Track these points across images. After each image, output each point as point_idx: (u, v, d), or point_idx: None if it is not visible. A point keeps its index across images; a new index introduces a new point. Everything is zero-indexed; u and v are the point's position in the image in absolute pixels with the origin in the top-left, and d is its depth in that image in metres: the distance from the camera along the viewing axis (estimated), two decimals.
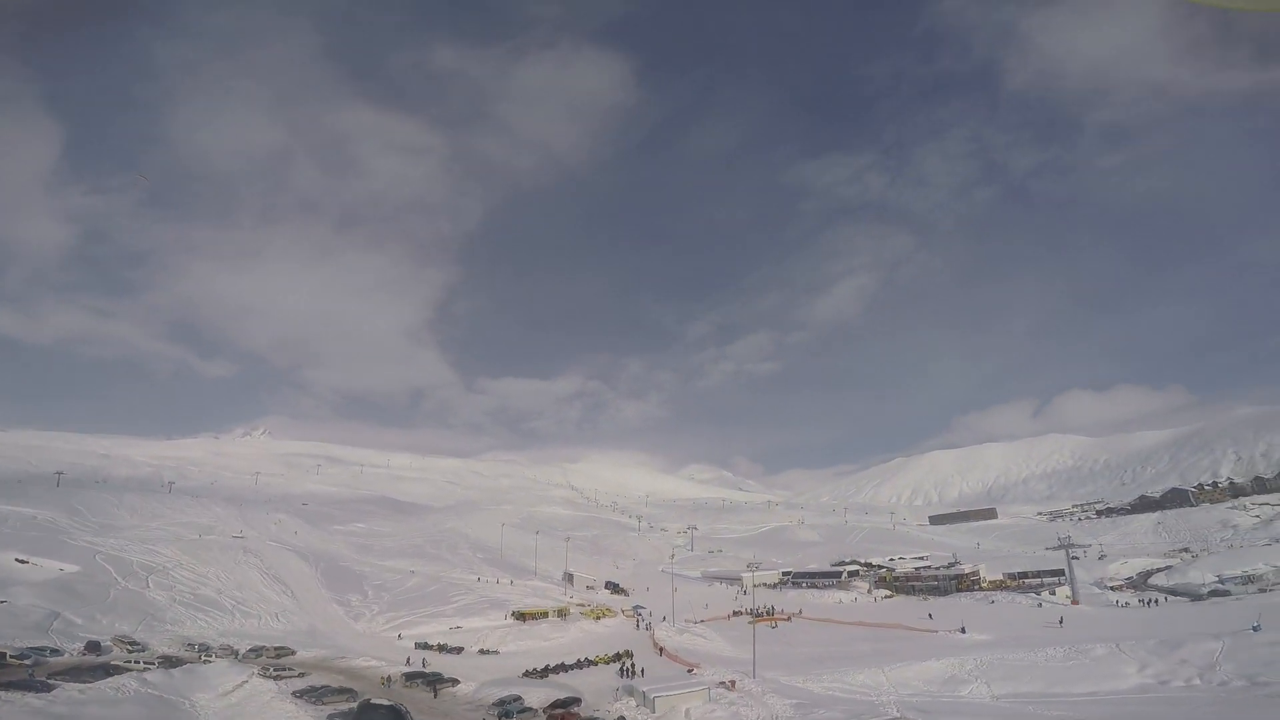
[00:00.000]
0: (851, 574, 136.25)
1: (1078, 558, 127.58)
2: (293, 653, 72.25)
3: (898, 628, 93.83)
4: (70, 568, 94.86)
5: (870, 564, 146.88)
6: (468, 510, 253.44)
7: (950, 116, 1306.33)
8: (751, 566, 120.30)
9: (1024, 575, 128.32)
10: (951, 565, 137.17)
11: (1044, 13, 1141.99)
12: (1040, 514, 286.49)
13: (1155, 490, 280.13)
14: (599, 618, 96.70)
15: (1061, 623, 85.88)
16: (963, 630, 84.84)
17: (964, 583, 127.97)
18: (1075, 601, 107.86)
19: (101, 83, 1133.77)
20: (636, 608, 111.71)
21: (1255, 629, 61.98)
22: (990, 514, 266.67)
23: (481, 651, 77.57)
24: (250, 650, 71.62)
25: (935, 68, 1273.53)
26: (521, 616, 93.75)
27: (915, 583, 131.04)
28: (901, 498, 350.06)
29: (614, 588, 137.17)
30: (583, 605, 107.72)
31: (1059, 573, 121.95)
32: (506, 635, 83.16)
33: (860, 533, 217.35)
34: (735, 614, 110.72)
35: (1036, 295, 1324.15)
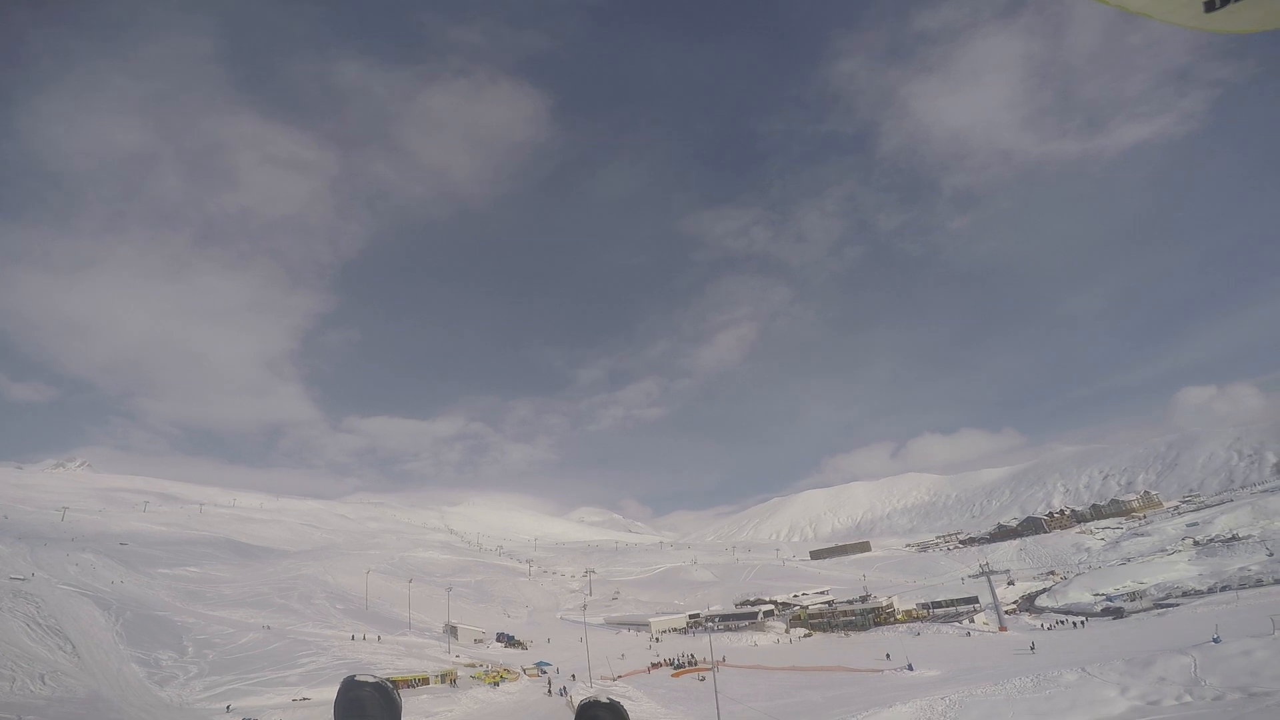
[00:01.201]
0: (767, 614, 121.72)
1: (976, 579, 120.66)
2: None
3: (838, 670, 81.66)
4: None
5: (779, 602, 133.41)
6: (328, 555, 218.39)
7: (831, 175, 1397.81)
8: (660, 612, 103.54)
9: (937, 605, 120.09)
10: (865, 599, 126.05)
11: (920, 80, 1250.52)
12: (909, 545, 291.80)
13: (1006, 520, 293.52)
14: (497, 682, 74.74)
15: (1034, 649, 78.12)
16: (910, 667, 75.21)
17: (880, 616, 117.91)
18: (1002, 628, 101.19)
19: None
20: (541, 665, 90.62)
21: (1216, 641, 54.67)
22: (865, 547, 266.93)
23: None
24: None
25: (823, 128, 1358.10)
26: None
27: (831, 619, 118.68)
28: (780, 534, 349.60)
29: (508, 640, 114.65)
30: (474, 665, 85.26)
31: (971, 600, 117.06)
32: None
33: (752, 570, 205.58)
34: (655, 666, 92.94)
35: (894, 346, 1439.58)
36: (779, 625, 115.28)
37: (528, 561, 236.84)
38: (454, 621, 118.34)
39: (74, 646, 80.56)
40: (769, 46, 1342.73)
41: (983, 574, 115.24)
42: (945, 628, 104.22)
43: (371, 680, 2.86)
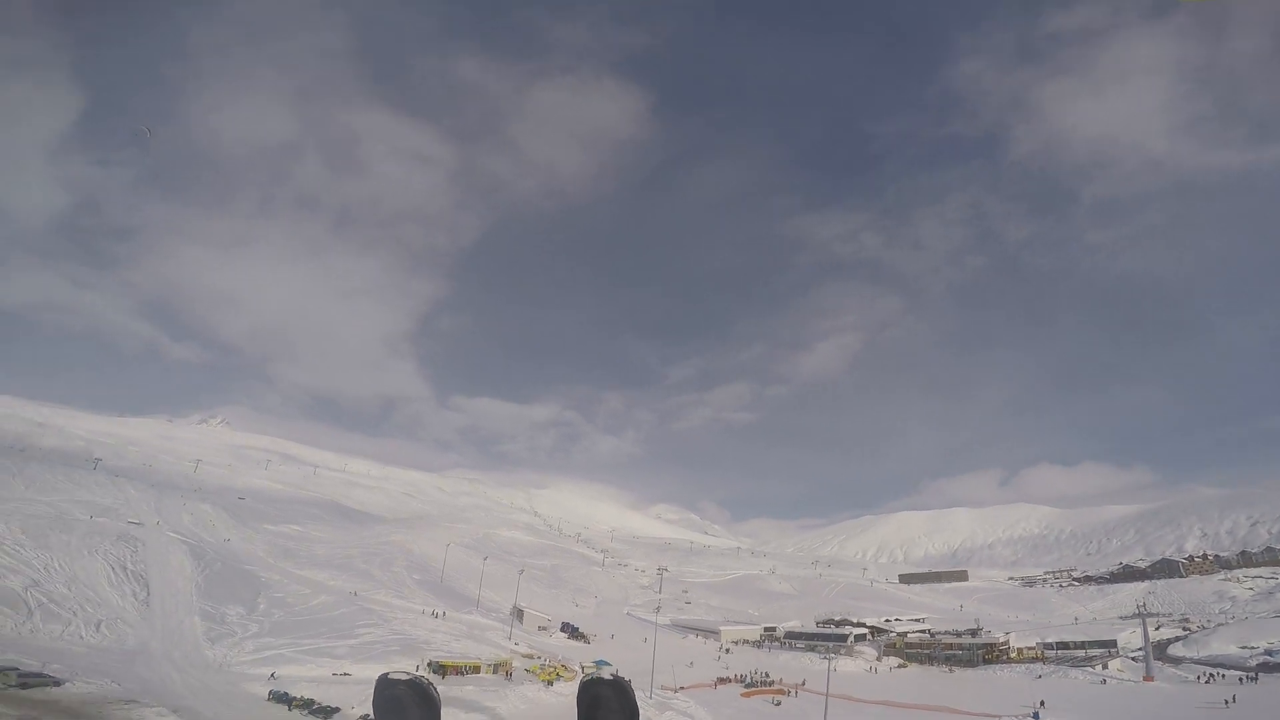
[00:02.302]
0: (858, 637, 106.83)
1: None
2: (54, 684, 41.73)
3: (944, 710, 67.90)
4: None
5: (870, 626, 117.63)
6: (418, 525, 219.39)
7: (952, 181, 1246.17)
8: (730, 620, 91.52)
9: (1063, 645, 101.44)
10: (976, 631, 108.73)
11: (1056, 82, 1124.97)
12: (1012, 578, 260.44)
13: (1130, 560, 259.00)
14: (551, 680, 66.05)
15: (1233, 703, 65.03)
16: (1036, 716, 62.11)
17: (992, 653, 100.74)
18: (1148, 678, 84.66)
19: (133, 56, 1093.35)
20: (600, 664, 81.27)
21: None
22: (961, 575, 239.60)
23: (366, 718, 47.23)
24: (8, 674, 41.14)
25: (944, 131, 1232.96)
26: (441, 670, 63.03)
27: (932, 651, 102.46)
28: (868, 554, 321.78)
29: (572, 631, 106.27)
30: (531, 655, 77.07)
31: (1107, 643, 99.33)
32: None
33: (835, 587, 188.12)
34: (723, 681, 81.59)
35: (1014, 367, 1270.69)
36: (869, 651, 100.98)
37: (603, 551, 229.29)
38: (522, 605, 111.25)
39: (149, 594, 78.38)
40: (884, 46, 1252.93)
41: (1137, 615, 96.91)
42: (1074, 672, 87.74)
43: (406, 677, 2.95)
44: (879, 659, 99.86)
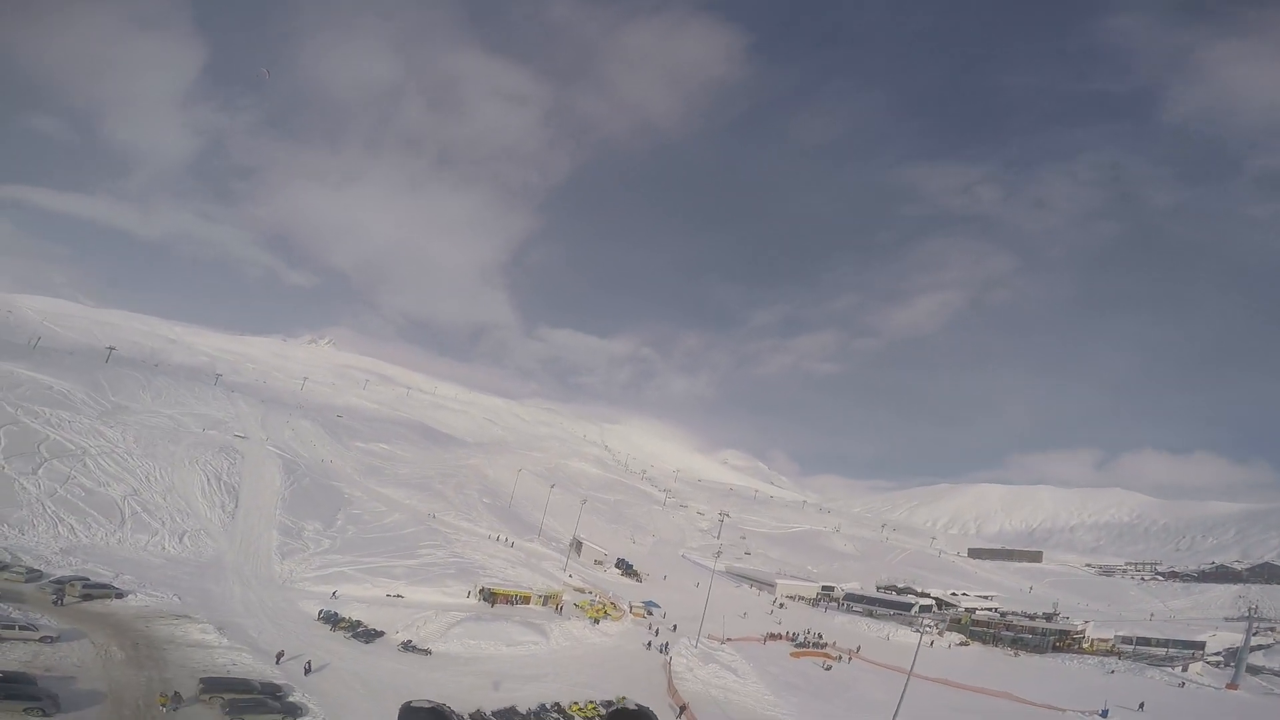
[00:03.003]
0: (924, 608, 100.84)
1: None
2: (117, 595, 42.83)
3: (1004, 697, 62.40)
4: None
5: (936, 598, 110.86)
6: (496, 450, 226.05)
7: (1090, 139, 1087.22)
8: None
9: (1144, 641, 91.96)
10: (1052, 616, 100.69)
11: (1227, 43, 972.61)
12: (1089, 565, 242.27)
13: (1225, 560, 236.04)
14: (598, 618, 64.68)
15: None
16: (1104, 714, 56.57)
17: (1065, 640, 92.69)
18: (1232, 686, 74.88)
19: (246, 7, 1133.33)
20: (649, 605, 79.97)
21: None
22: (1035, 556, 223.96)
23: (406, 645, 46.55)
24: (53, 582, 42.47)
25: (1088, 85, 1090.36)
26: (492, 598, 62.55)
27: (998, 631, 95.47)
28: (939, 524, 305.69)
29: (626, 568, 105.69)
30: (583, 590, 76.20)
31: (1192, 645, 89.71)
32: (458, 626, 51.73)
33: (900, 553, 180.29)
34: (773, 637, 78.25)
35: (1134, 342, 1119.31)
36: (930, 624, 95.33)
37: (665, 491, 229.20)
38: (581, 537, 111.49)
39: (236, 506, 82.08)
40: None
41: (1235, 619, 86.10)
42: (1151, 671, 79.18)
43: (428, 705, 2.86)
44: (939, 633, 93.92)
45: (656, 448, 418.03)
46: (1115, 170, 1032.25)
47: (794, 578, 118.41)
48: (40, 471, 65.58)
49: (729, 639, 69.07)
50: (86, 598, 40.53)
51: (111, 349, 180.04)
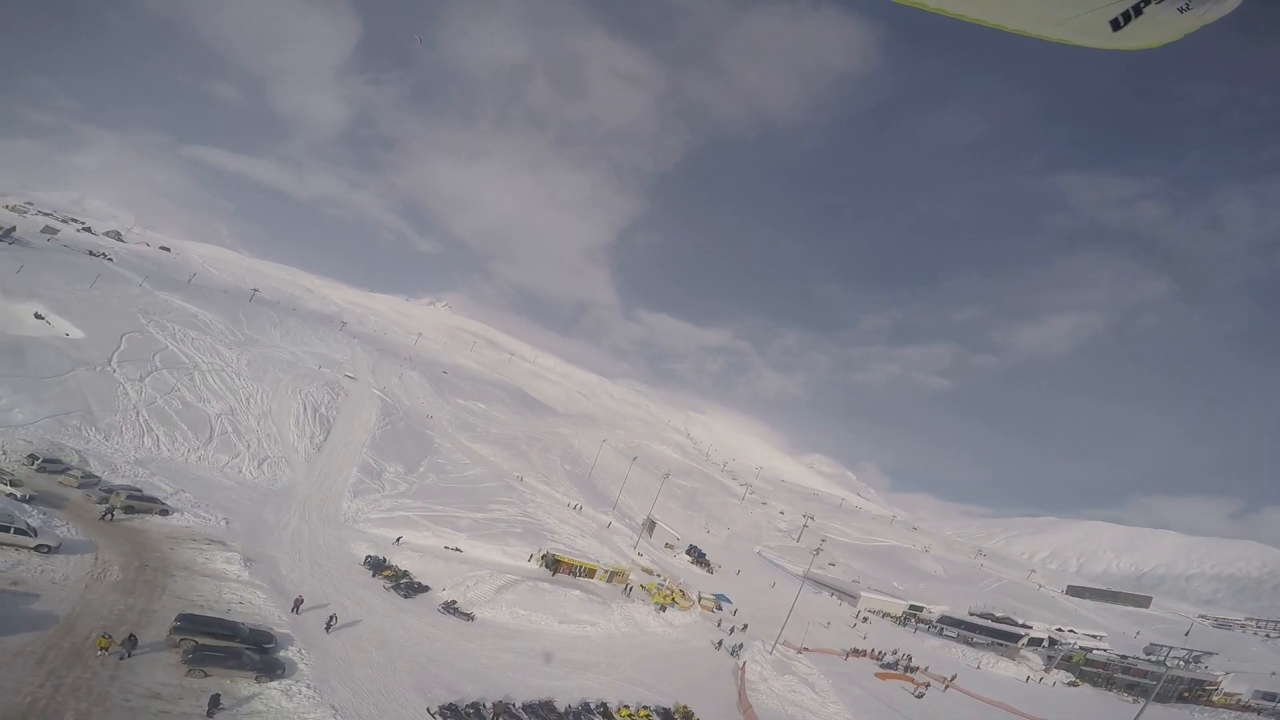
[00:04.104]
0: (1034, 641, 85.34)
1: None
2: (161, 512, 38.91)
3: None
4: (75, 333, 69.30)
5: (1047, 635, 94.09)
6: (583, 423, 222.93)
7: None
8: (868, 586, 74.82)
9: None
10: (1192, 660, 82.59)
11: None
12: (1203, 617, 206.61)
13: None
14: (665, 605, 56.30)
15: None
16: None
17: (1195, 691, 75.58)
18: None
19: None
20: (720, 598, 70.80)
21: None
22: (1143, 601, 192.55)
23: (447, 606, 40.00)
24: (101, 489, 39.15)
25: None
26: (554, 565, 55.67)
27: (1111, 673, 78.88)
28: (1036, 557, 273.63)
29: (698, 556, 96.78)
30: (650, 572, 68.17)
31: None
32: (510, 591, 45.02)
33: (995, 581, 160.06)
34: (856, 653, 67.14)
35: None
36: (1034, 659, 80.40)
37: (745, 485, 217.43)
38: (654, 517, 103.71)
39: (325, 439, 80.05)
40: None
41: None
42: None
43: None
44: (1046, 670, 78.75)
45: (740, 442, 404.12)
46: None
47: (879, 592, 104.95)
48: (147, 380, 65.25)
49: (805, 649, 59.04)
50: (129, 510, 36.87)
51: (255, 290, 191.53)
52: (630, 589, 57.45)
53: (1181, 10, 4.42)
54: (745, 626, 60.16)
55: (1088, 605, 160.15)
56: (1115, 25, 4.25)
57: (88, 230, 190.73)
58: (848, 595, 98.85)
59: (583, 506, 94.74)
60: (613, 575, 59.90)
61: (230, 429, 65.94)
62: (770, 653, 51.76)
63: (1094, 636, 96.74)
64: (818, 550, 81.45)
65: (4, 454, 39.74)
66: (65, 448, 44.39)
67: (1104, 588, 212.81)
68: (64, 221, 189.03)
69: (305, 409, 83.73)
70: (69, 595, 23.95)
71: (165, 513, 38.63)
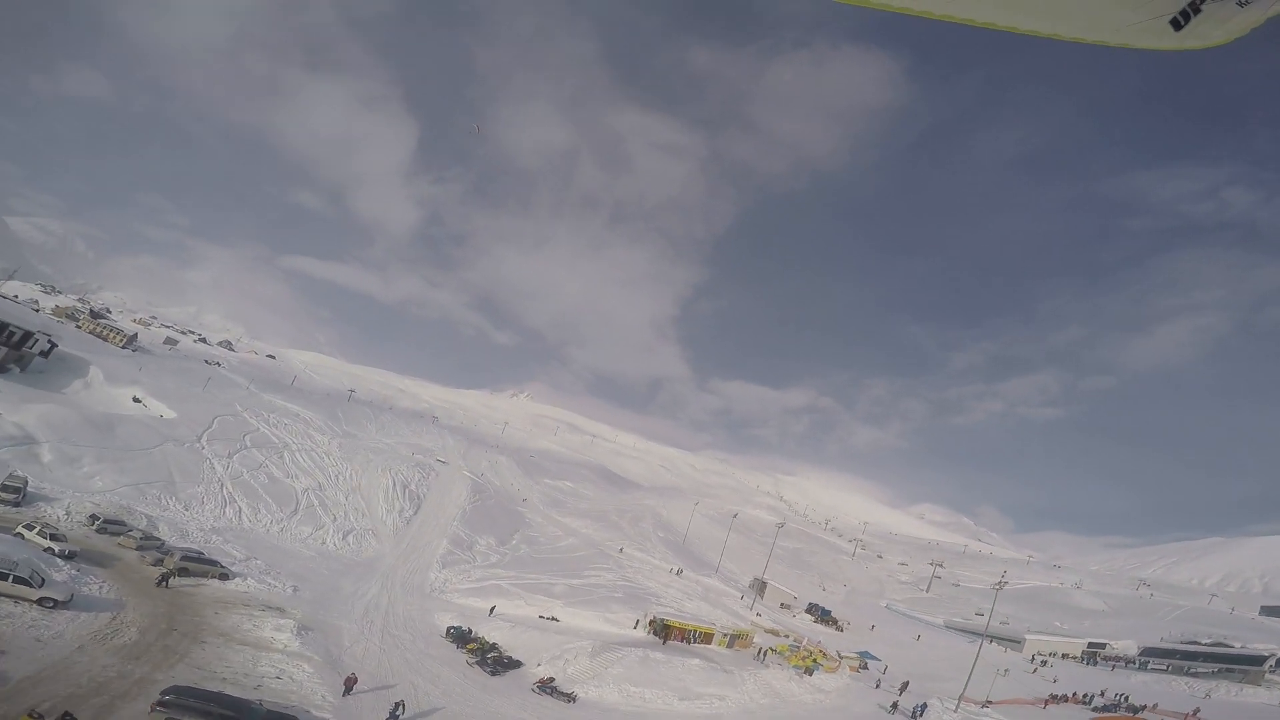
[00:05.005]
0: None
1: None
2: (221, 576, 33.18)
3: None
4: (169, 414, 68.45)
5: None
6: (670, 494, 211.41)
7: None
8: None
9: None
10: None
11: None
12: None
13: None
14: (809, 668, 44.66)
15: None
16: None
17: None
18: None
19: (440, 84, 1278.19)
20: (865, 655, 57.65)
21: None
22: None
23: (543, 685, 31.13)
24: (157, 550, 34.15)
25: None
26: (664, 630, 45.75)
27: None
28: (1207, 583, 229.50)
29: (821, 614, 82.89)
30: (777, 633, 56.53)
31: None
32: (617, 664, 35.79)
33: (1173, 610, 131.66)
34: (1056, 700, 52.19)
35: None
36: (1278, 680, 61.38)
37: (854, 541, 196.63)
38: (764, 577, 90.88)
39: (415, 514, 75.08)
40: None
41: None
42: None
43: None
44: None
45: (838, 500, 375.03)
46: None
47: (1044, 633, 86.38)
48: (235, 456, 62.60)
49: (989, 702, 45.36)
50: (184, 572, 31.41)
51: (352, 391, 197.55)
52: (764, 653, 46.36)
53: (1242, 4, 4.12)
54: (906, 685, 47.25)
55: None
56: (1176, 25, 4.06)
57: (203, 341, 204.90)
58: (1009, 641, 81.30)
59: (683, 570, 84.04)
60: (734, 639, 49.16)
61: (316, 502, 61.70)
62: (955, 710, 39.31)
63: None
64: (994, 607, 66.76)
65: (67, 514, 35.80)
66: (134, 512, 40.40)
67: None
68: (183, 333, 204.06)
69: (395, 485, 79.39)
70: (45, 656, 17.96)
71: (225, 577, 33.12)
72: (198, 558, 34.10)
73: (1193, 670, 67.03)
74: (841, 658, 53.51)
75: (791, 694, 38.57)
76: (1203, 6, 4.32)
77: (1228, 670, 64.65)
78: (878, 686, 46.00)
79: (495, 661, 32.62)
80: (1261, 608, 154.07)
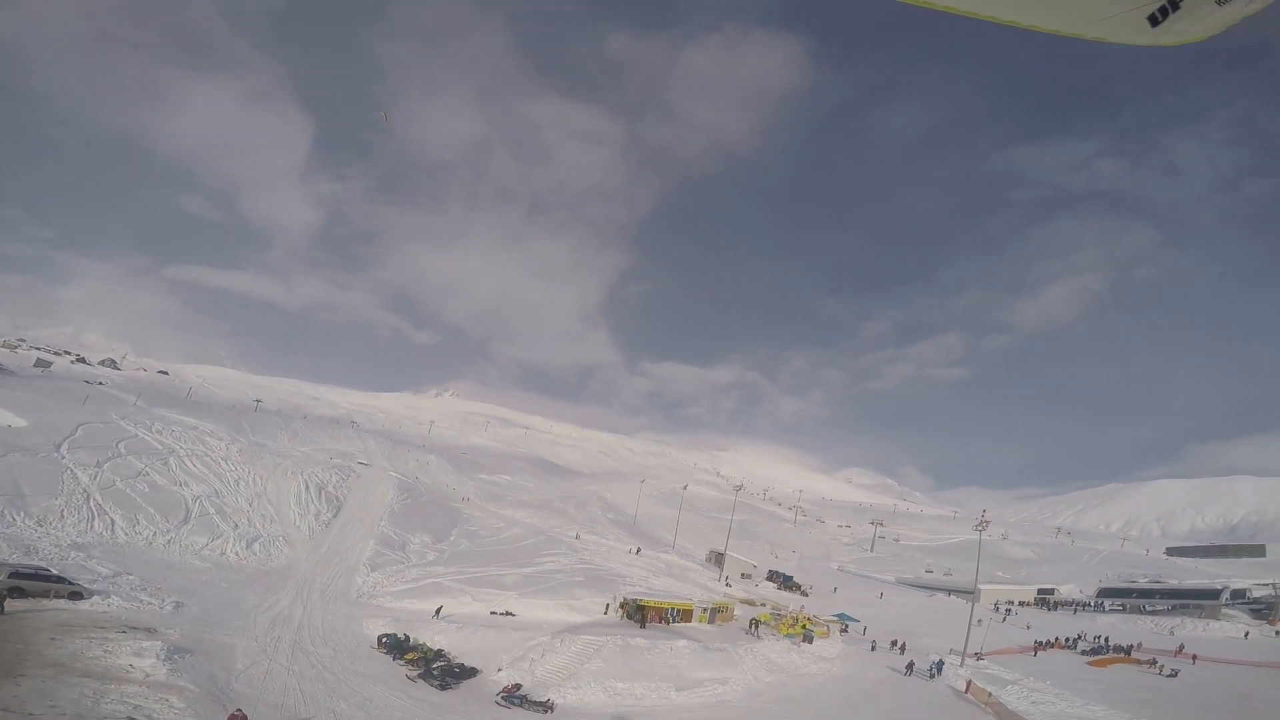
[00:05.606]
0: (1239, 594, 67.38)
1: None
2: (72, 594, 24.33)
3: None
4: (18, 423, 55.51)
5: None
6: (613, 478, 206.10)
7: (1212, 97, 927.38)
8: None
9: None
10: None
11: None
12: None
13: None
14: (803, 633, 39.88)
15: None
16: None
17: None
18: None
19: (339, 79, 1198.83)
20: (844, 618, 54.26)
21: None
22: (1257, 551, 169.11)
23: (510, 695, 24.50)
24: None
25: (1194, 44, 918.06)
26: (640, 612, 39.78)
27: None
28: (1113, 527, 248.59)
29: (784, 580, 79.90)
30: (752, 602, 52.00)
31: None
32: (597, 658, 29.59)
33: (1093, 555, 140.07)
34: (1046, 645, 50.74)
35: None
36: (1240, 615, 62.88)
37: (793, 509, 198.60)
38: (721, 549, 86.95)
39: (335, 516, 65.10)
40: None
41: None
42: None
43: None
44: (1272, 622, 60.84)
45: (772, 471, 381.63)
46: (1251, 124, 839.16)
47: (993, 584, 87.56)
48: (105, 465, 51.15)
49: (980, 654, 42.66)
50: (15, 592, 22.70)
51: (259, 401, 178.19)
52: (755, 625, 41.29)
53: (1220, 2, 4.08)
54: (905, 645, 43.73)
55: (1203, 564, 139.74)
56: (1153, 21, 4.04)
57: (82, 361, 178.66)
58: (964, 592, 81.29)
59: (641, 549, 78.64)
60: (715, 613, 43.98)
61: (212, 510, 51.39)
62: (961, 665, 35.88)
63: (1265, 585, 78.47)
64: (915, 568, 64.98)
65: None
66: None
67: (1206, 544, 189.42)
68: (58, 354, 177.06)
69: (309, 488, 68.95)
70: None
71: (78, 596, 24.75)
72: (35, 574, 25.27)
73: (1149, 609, 68.33)
74: (826, 622, 49.67)
75: (795, 666, 33.76)
76: (1182, 3, 4.21)
77: (1183, 606, 66.25)
78: (873, 649, 42.18)
79: (444, 672, 25.56)
80: (1167, 549, 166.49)
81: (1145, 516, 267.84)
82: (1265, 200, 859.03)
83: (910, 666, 35.56)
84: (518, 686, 25.64)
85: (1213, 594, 66.00)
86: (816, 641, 38.67)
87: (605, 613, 40.74)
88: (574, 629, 35.00)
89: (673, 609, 41.73)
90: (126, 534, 41.56)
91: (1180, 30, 4.10)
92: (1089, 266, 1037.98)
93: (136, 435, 63.63)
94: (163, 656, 19.04)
